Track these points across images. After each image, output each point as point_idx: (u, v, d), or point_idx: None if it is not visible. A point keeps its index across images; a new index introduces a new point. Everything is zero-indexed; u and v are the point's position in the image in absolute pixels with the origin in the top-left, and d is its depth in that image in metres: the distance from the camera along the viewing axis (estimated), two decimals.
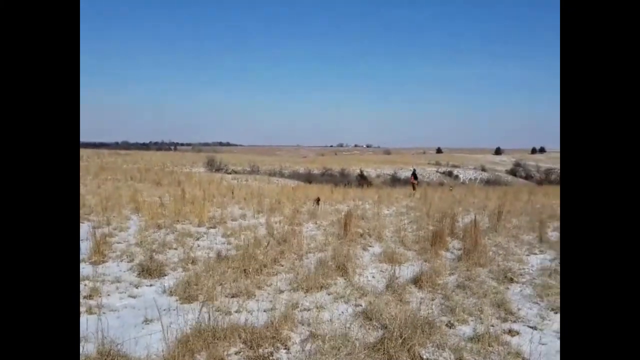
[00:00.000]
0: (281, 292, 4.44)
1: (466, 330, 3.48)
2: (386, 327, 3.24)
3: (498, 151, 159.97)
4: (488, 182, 62.85)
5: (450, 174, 77.16)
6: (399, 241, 7.28)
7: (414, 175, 20.52)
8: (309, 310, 3.86)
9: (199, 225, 7.82)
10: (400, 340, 2.93)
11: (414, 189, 19.23)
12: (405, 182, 51.28)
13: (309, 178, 49.01)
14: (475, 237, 6.28)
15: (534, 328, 3.56)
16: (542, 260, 6.22)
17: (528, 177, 78.86)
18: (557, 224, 9.08)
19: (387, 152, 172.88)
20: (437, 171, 77.05)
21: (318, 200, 12.18)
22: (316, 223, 9.28)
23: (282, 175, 55.15)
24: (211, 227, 7.80)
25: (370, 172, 74.37)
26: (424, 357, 2.92)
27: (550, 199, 15.40)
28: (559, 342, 3.30)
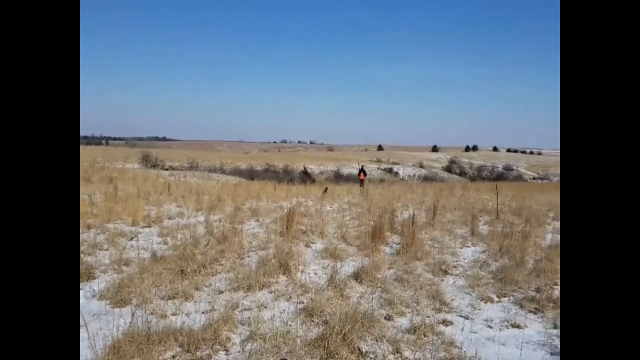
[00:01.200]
0: (221, 292, 4.34)
1: (403, 322, 3.64)
2: (327, 323, 3.32)
3: (435, 149, 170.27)
4: (426, 179, 66.50)
5: (390, 170, 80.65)
6: (341, 237, 7.42)
7: (363, 171, 20.57)
8: (249, 310, 3.82)
9: (132, 225, 7.44)
10: (341, 335, 3.01)
11: (362, 185, 19.65)
12: (350, 178, 52.40)
13: (251, 175, 48.20)
14: (412, 232, 6.61)
15: (466, 317, 3.81)
16: (474, 252, 6.38)
17: (462, 173, 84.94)
18: (487, 217, 9.94)
19: (330, 148, 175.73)
20: (378, 168, 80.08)
21: (326, 190, 13.09)
22: (258, 220, 9.21)
23: (223, 171, 53.51)
24: (146, 226, 7.44)
25: (314, 168, 75.17)
26: (363, 350, 3.01)
27: (482, 194, 16.77)
28: (488, 330, 3.55)
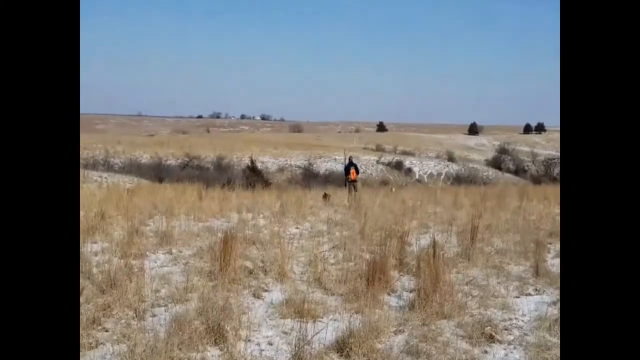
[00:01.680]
0: None
1: None
2: None
3: (473, 129, 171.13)
4: (458, 180, 67.94)
5: (399, 166, 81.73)
6: (314, 280, 7.51)
7: (354, 166, 19.90)
8: None
9: None
10: None
11: (351, 190, 19.48)
12: (331, 178, 52.84)
13: (159, 173, 47.57)
14: (436, 271, 6.71)
15: None
16: (538, 304, 6.65)
17: (519, 170, 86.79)
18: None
19: (298, 128, 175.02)
20: (378, 162, 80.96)
21: (325, 196, 14.49)
22: (171, 253, 9.14)
23: (109, 167, 52.82)
24: None
25: (269, 162, 75.00)
26: None
27: (553, 207, 17.23)
28: None
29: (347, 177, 20.62)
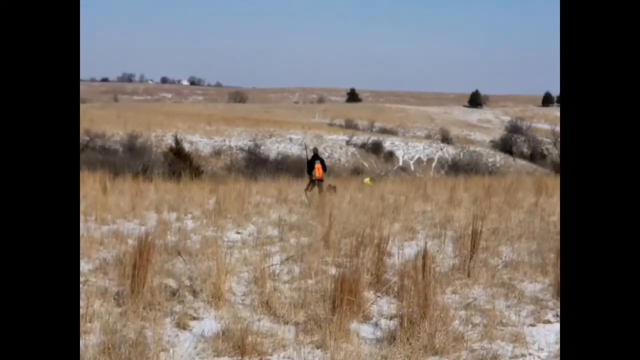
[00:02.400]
0: None
1: None
2: None
3: (476, 100, 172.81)
4: (455, 167, 68.44)
5: (377, 149, 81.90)
6: (261, 304, 7.53)
7: (321, 162, 19.91)
8: None
9: None
10: None
11: (312, 187, 19.50)
12: (286, 164, 52.89)
13: None
14: (425, 290, 6.74)
15: None
16: (560, 334, 6.83)
17: (536, 155, 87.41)
18: None
19: (240, 97, 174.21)
20: (349, 143, 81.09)
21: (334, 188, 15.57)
22: None
23: None
24: None
25: (200, 142, 74.41)
26: None
27: None
28: None
29: (312, 174, 20.56)
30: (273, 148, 73.49)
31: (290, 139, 78.69)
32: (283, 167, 51.02)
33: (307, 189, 20.07)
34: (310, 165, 20.94)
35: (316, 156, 21.24)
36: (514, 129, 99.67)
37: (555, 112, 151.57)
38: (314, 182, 20.44)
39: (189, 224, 13.38)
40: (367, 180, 28.36)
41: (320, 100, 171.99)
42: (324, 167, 21.09)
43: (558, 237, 11.76)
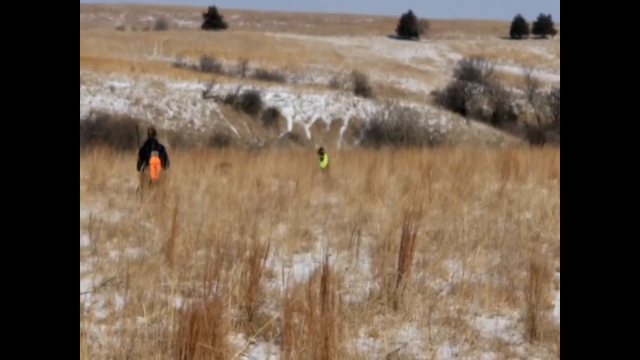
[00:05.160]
0: None
1: None
2: None
3: (407, 26, 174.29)
4: (376, 134, 68.59)
5: (252, 104, 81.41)
6: None
7: (160, 151, 19.35)
8: None
9: None
10: None
11: (149, 183, 19.06)
12: (110, 129, 52.46)
13: None
14: (324, 333, 6.77)
15: None
16: None
17: (500, 116, 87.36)
18: None
19: None
20: (207, 96, 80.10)
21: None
22: None
23: None
24: None
25: None
26: None
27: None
28: None
29: (144, 169, 20.03)
30: (83, 103, 72.52)
31: (112, 89, 78.30)
32: (99, 133, 50.51)
33: (140, 186, 19.53)
34: (143, 155, 20.27)
35: (152, 142, 20.53)
36: (467, 74, 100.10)
37: (530, 47, 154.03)
38: (147, 179, 19.87)
39: None
40: (324, 162, 26.99)
41: (161, 26, 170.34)
42: (165, 161, 20.35)
43: (532, 244, 12.01)
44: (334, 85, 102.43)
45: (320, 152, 29.46)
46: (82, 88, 75.69)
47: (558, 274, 10.49)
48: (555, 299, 9.61)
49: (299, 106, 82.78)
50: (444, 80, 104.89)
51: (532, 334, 8.36)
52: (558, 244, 12.27)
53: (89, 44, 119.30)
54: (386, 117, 77.69)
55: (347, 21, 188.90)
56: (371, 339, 8.18)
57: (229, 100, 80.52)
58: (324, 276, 7.23)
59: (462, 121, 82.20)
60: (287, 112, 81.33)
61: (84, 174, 19.85)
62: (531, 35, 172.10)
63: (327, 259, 9.17)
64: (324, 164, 28.21)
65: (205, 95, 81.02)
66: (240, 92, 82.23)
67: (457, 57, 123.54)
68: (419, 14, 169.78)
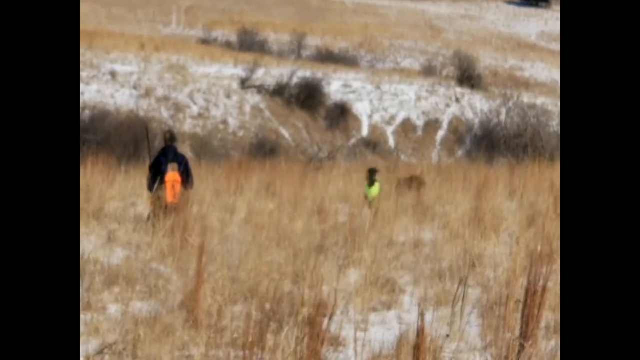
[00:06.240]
0: None
1: None
2: None
3: None
4: (489, 141, 68.69)
5: (311, 98, 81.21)
6: None
7: (182, 163, 19.41)
8: None
9: None
10: None
11: (164, 208, 19.07)
12: (110, 129, 53.18)
13: None
14: None
15: None
16: None
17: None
18: None
19: None
20: (247, 85, 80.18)
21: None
22: None
23: None
24: None
25: None
26: None
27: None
28: None
29: (158, 189, 20.05)
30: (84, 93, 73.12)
31: (113, 75, 78.29)
32: (95, 137, 50.91)
33: (153, 212, 19.48)
34: (157, 170, 20.34)
35: (170, 151, 20.60)
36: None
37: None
38: (162, 202, 19.86)
39: None
40: (375, 188, 25.94)
41: None
42: (187, 177, 20.39)
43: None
44: (428, 71, 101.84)
45: (371, 173, 27.86)
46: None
47: None
48: None
49: (378, 101, 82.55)
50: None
51: None
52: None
53: (82, 11, 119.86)
54: (503, 117, 76.90)
55: None
56: None
57: (279, 91, 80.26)
58: (417, 344, 7.24)
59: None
60: (361, 109, 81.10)
61: None
62: (548, 4, 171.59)
63: (423, 318, 9.19)
64: (373, 191, 26.86)
65: (245, 84, 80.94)
66: (295, 80, 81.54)
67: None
68: None
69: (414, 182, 24.13)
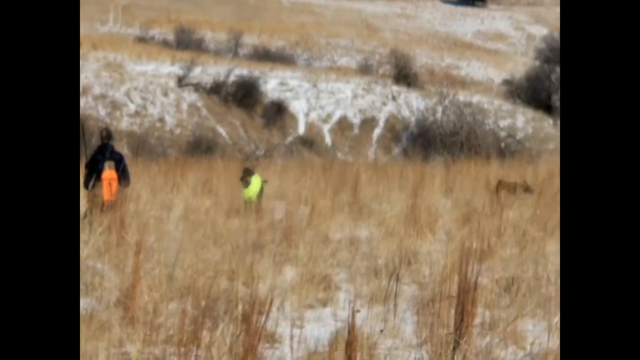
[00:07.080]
0: None
1: None
2: None
3: None
4: (425, 139, 68.78)
5: (248, 96, 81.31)
6: None
7: (117, 160, 19.45)
8: None
9: None
10: None
11: (101, 206, 19.04)
12: None
13: None
14: None
15: None
16: None
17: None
18: None
19: None
20: (183, 83, 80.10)
21: None
22: None
23: None
24: None
25: None
26: None
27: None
28: None
29: (94, 186, 20.04)
30: None
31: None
32: None
33: (89, 210, 19.53)
34: (93, 167, 20.33)
35: (106, 149, 20.56)
36: (555, 56, 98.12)
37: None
38: (100, 201, 19.86)
39: None
40: (252, 188, 25.05)
41: None
42: (123, 175, 20.36)
43: None
44: (364, 69, 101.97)
45: (247, 173, 26.10)
46: None
47: None
48: None
49: (314, 99, 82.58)
50: (521, 65, 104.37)
51: None
52: None
53: None
54: (439, 115, 77.04)
55: None
56: None
57: (215, 89, 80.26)
58: (350, 341, 7.25)
59: (548, 122, 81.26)
60: (297, 107, 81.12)
61: None
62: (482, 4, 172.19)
63: (354, 316, 9.20)
64: (250, 191, 25.41)
65: (182, 82, 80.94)
66: (232, 78, 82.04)
67: (540, 31, 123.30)
68: None
69: (518, 187, 23.78)
